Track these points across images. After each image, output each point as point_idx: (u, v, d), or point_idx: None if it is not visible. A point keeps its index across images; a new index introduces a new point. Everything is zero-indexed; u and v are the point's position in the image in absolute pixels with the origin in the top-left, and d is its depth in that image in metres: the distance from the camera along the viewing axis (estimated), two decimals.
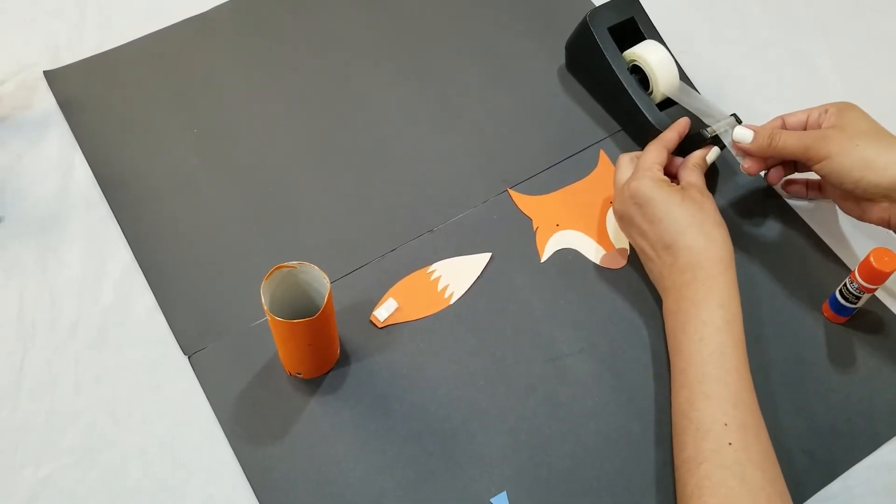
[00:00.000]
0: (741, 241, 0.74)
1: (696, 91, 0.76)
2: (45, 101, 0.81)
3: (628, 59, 0.77)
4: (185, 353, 0.67)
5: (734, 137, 0.70)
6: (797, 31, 0.90)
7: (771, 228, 0.75)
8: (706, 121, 0.72)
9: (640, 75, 0.77)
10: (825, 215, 0.76)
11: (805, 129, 0.71)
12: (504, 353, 0.68)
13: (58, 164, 0.77)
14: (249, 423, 0.64)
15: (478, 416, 0.65)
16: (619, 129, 0.80)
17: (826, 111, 0.70)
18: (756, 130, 0.69)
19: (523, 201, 0.76)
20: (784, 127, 0.72)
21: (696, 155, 0.72)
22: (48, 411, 0.65)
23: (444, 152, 0.79)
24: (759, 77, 0.86)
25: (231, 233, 0.73)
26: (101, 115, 0.80)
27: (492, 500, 0.62)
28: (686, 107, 0.74)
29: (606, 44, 0.76)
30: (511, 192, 0.76)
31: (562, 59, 0.84)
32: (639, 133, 0.78)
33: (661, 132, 0.74)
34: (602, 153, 0.79)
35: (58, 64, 0.83)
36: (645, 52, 0.75)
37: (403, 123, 0.81)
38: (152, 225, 0.73)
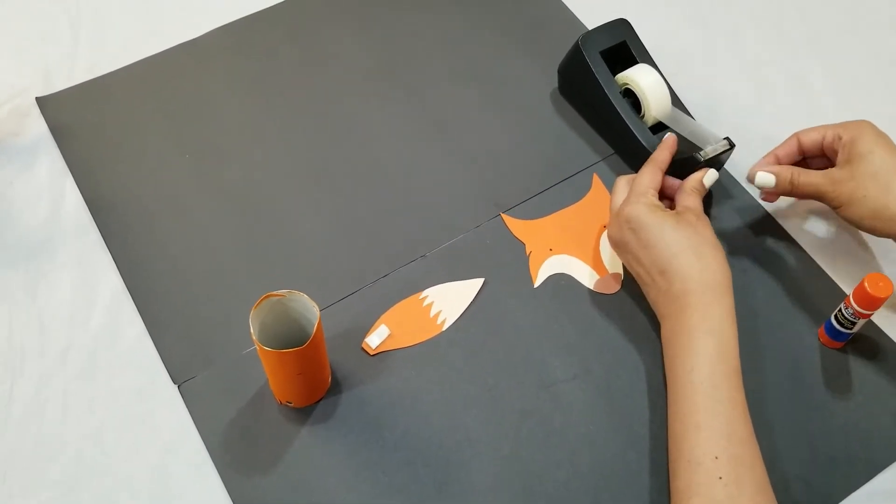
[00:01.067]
0: (737, 266, 0.73)
1: (690, 115, 0.76)
2: (37, 127, 0.81)
3: (620, 82, 0.77)
4: (174, 383, 0.66)
5: (757, 184, 0.71)
6: (790, 52, 0.90)
7: (767, 253, 0.75)
8: (699, 144, 0.72)
9: (633, 99, 0.77)
10: (821, 240, 0.76)
11: (822, 149, 0.72)
12: (497, 379, 0.67)
13: (48, 191, 0.77)
14: (239, 453, 0.63)
15: (471, 444, 0.64)
16: (613, 152, 0.80)
17: (840, 137, 0.69)
18: (776, 173, 0.70)
19: (516, 226, 0.75)
20: (799, 145, 0.72)
21: (694, 178, 0.71)
22: (36, 440, 0.64)
23: (437, 176, 0.79)
24: (752, 97, 0.86)
25: (222, 259, 0.73)
26: (92, 141, 0.80)
27: None
28: (678, 131, 0.74)
29: (598, 67, 0.76)
30: (504, 216, 0.76)
31: (555, 83, 0.84)
32: (632, 156, 0.78)
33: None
34: (595, 176, 0.79)
35: (50, 89, 0.83)
36: (637, 76, 0.75)
37: (396, 148, 0.80)
38: (143, 251, 0.73)
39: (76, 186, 0.77)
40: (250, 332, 0.57)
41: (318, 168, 0.79)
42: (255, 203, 0.76)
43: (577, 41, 0.77)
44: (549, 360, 0.68)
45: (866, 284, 0.62)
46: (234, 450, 0.63)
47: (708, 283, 0.63)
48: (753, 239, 0.76)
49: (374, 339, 0.68)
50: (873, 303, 0.63)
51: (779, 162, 0.72)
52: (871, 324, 0.70)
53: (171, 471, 0.63)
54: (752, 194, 0.78)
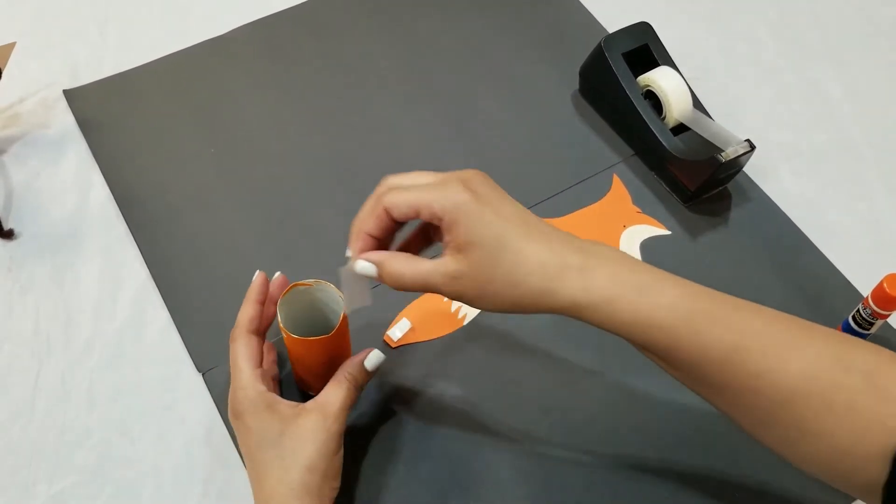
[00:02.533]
0: (753, 268, 0.74)
1: (710, 117, 0.77)
2: (64, 119, 0.82)
3: (642, 84, 0.78)
4: (199, 371, 0.67)
5: (360, 272, 0.53)
6: (808, 60, 0.91)
7: (784, 255, 0.76)
8: (720, 146, 0.73)
9: (654, 101, 0.77)
10: (838, 241, 0.77)
11: (422, 225, 0.55)
12: (518, 375, 0.68)
13: (75, 182, 0.78)
14: None
15: (491, 439, 0.65)
16: (633, 153, 0.81)
17: (439, 218, 0.50)
18: (378, 262, 0.52)
19: None
20: (391, 219, 0.52)
21: (353, 362, 0.60)
22: (62, 428, 0.65)
23: None
24: (770, 105, 0.87)
25: (247, 251, 0.74)
26: (119, 135, 0.81)
27: None
28: (699, 132, 0.75)
29: (621, 69, 0.77)
30: None
31: (575, 85, 0.85)
32: (652, 158, 0.79)
33: (675, 156, 0.74)
34: (615, 177, 0.79)
35: (77, 83, 0.84)
36: (659, 78, 0.76)
37: (418, 145, 0.81)
38: (169, 243, 0.74)
39: (103, 179, 0.78)
40: (277, 320, 0.58)
41: (341, 164, 0.80)
42: (279, 197, 0.77)
43: (600, 43, 0.78)
44: (570, 357, 0.69)
45: (885, 285, 0.63)
46: None
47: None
48: (770, 240, 0.76)
49: (396, 332, 0.69)
50: (892, 303, 0.63)
51: (376, 241, 0.53)
52: (887, 325, 0.71)
53: (195, 459, 0.64)
54: (770, 196, 0.79)
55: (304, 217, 0.76)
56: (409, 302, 0.71)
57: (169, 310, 0.70)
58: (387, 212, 0.52)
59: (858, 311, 0.67)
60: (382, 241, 0.54)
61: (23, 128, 0.82)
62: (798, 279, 0.74)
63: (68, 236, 0.75)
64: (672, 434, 0.65)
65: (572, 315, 0.50)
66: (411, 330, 0.70)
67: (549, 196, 0.78)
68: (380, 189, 0.54)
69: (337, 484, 0.58)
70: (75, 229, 0.75)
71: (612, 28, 0.87)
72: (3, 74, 0.76)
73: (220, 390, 0.66)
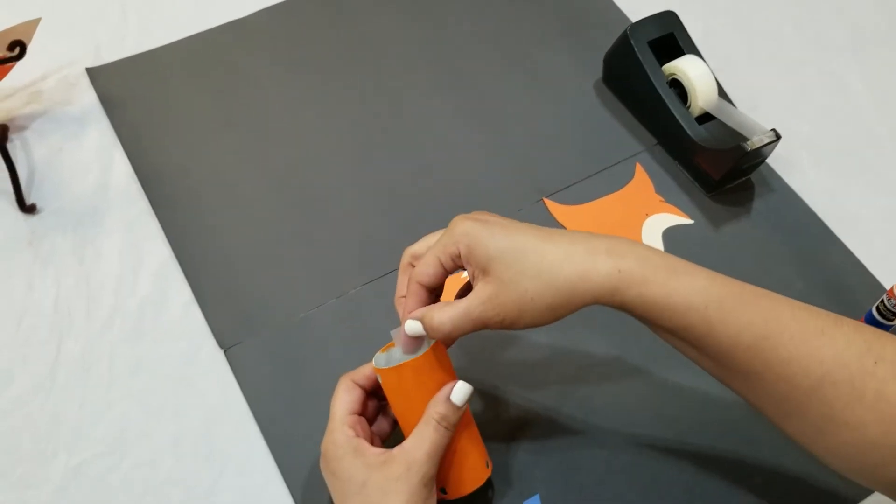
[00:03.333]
0: (776, 259, 0.74)
1: (734, 106, 0.77)
2: (86, 97, 0.82)
3: (667, 73, 0.78)
4: (221, 348, 0.67)
5: (410, 333, 0.54)
6: (831, 53, 0.91)
7: (807, 246, 0.75)
8: (745, 135, 0.73)
9: (678, 90, 0.77)
10: (862, 233, 0.76)
11: (445, 273, 0.54)
12: (537, 358, 0.68)
13: (97, 159, 0.78)
14: (285, 419, 0.64)
15: (510, 420, 0.65)
16: (656, 142, 0.81)
17: (457, 254, 0.52)
18: (420, 317, 0.53)
19: (559, 211, 0.76)
20: (426, 291, 0.54)
21: (438, 399, 0.54)
22: (82, 401, 0.65)
23: (480, 161, 0.79)
24: (793, 97, 0.87)
25: (268, 231, 0.74)
26: (141, 113, 0.81)
27: (524, 503, 0.61)
28: (725, 121, 0.75)
29: (646, 57, 0.77)
30: (547, 201, 0.76)
31: (599, 73, 0.85)
32: (676, 147, 0.79)
33: (699, 145, 0.74)
34: (638, 166, 0.79)
35: (99, 62, 0.84)
36: (685, 66, 0.76)
37: (439, 131, 0.81)
38: (190, 221, 0.74)
39: (125, 156, 0.78)
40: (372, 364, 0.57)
41: (362, 148, 0.79)
42: (300, 178, 0.77)
43: (626, 30, 0.78)
44: (590, 341, 0.69)
45: None
46: (279, 416, 0.64)
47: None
48: (793, 232, 0.76)
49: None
50: None
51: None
52: None
53: (215, 434, 0.64)
54: (793, 188, 0.79)
55: (324, 197, 0.76)
56: None
57: (191, 286, 0.70)
58: (417, 283, 0.53)
59: (883, 301, 0.67)
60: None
61: (45, 105, 0.82)
62: (821, 271, 0.74)
63: (90, 212, 0.74)
64: (692, 419, 0.65)
65: (607, 300, 0.49)
66: None
67: (572, 184, 0.78)
68: (404, 261, 0.57)
69: None
70: (97, 205, 0.75)
71: (634, 17, 0.87)
72: (27, 51, 0.76)
73: (241, 367, 0.66)
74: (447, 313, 0.51)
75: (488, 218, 0.53)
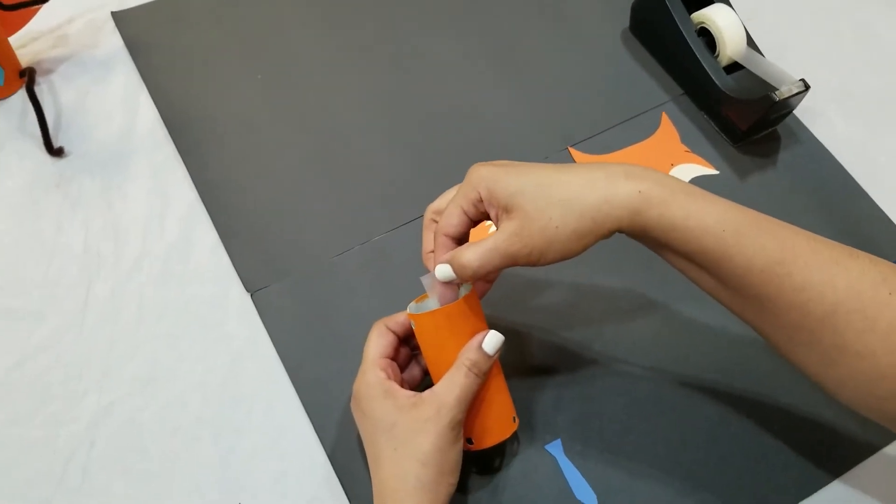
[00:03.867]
0: (801, 211, 0.74)
1: (762, 56, 0.76)
2: (112, 41, 0.82)
3: (696, 21, 0.77)
4: (247, 291, 0.68)
5: (441, 277, 0.54)
6: (862, 2, 0.89)
7: (832, 199, 0.75)
8: (774, 84, 0.72)
9: (707, 39, 0.76)
10: (889, 187, 0.76)
11: (469, 222, 0.54)
12: (560, 308, 0.68)
13: (123, 104, 0.78)
14: (310, 362, 0.65)
15: (533, 369, 0.66)
16: (682, 92, 0.80)
17: (479, 199, 0.52)
18: (449, 260, 0.53)
19: (583, 159, 0.76)
20: (450, 239, 0.54)
21: (471, 346, 0.55)
22: (111, 341, 0.66)
23: (506, 109, 0.79)
24: (822, 46, 0.86)
25: (293, 177, 0.74)
26: (167, 58, 0.80)
27: (546, 447, 0.62)
28: (753, 70, 0.74)
29: (675, 5, 0.76)
30: (571, 150, 0.76)
31: (626, 22, 0.84)
32: (703, 97, 0.78)
33: (727, 95, 0.73)
34: (664, 115, 0.79)
35: (124, 6, 0.84)
36: (714, 15, 0.75)
37: (466, 79, 0.81)
38: (217, 166, 0.74)
39: (151, 101, 0.78)
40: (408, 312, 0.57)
41: (390, 94, 0.79)
42: (325, 124, 0.77)
43: None
44: (613, 292, 0.69)
45: None
46: (304, 358, 0.65)
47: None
48: (819, 184, 0.76)
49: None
50: None
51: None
52: None
53: (242, 375, 0.65)
54: (820, 140, 0.78)
55: (350, 145, 0.76)
56: None
57: (217, 231, 0.71)
58: (447, 237, 0.54)
59: None
60: None
61: (71, 48, 0.82)
62: (846, 223, 0.73)
63: (117, 156, 0.75)
64: (713, 369, 0.65)
65: (628, 224, 0.50)
66: None
67: (597, 133, 0.78)
68: (427, 218, 0.58)
69: (454, 479, 0.54)
70: (123, 149, 0.75)
71: None
72: None
73: (268, 310, 0.67)
74: (474, 251, 0.51)
75: (504, 162, 0.53)
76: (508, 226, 0.51)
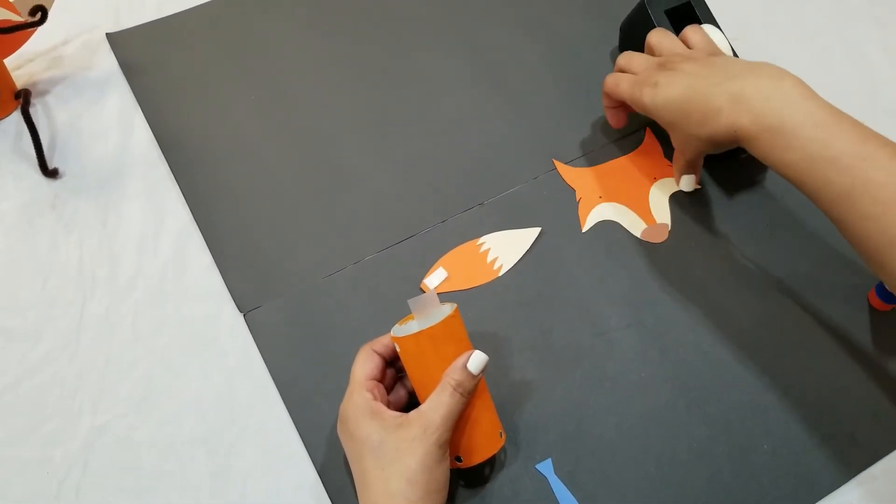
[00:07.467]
0: (785, 229, 0.74)
1: None
2: (107, 62, 0.83)
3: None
4: (240, 311, 0.69)
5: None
6: (849, 21, 0.91)
7: (814, 216, 0.75)
8: None
9: None
10: None
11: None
12: (551, 325, 0.69)
13: (118, 124, 0.79)
14: (302, 381, 0.66)
15: (524, 386, 0.66)
16: None
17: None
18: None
19: (568, 172, 0.77)
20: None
21: (455, 367, 0.56)
22: (106, 360, 0.67)
23: (496, 128, 0.80)
24: (810, 65, 0.86)
25: (286, 197, 0.75)
26: (161, 79, 0.81)
27: (536, 467, 0.63)
28: None
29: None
30: (556, 162, 0.77)
31: (615, 41, 0.85)
32: None
33: None
34: (648, 131, 0.80)
35: (119, 28, 0.85)
36: None
37: (457, 98, 0.82)
38: (210, 186, 0.75)
39: (145, 121, 0.79)
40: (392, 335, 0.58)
41: (381, 112, 0.80)
42: (317, 144, 0.78)
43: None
44: (603, 309, 0.70)
45: None
46: (297, 378, 0.66)
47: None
48: (805, 200, 0.76)
49: (433, 280, 0.70)
50: None
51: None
52: None
53: (236, 395, 0.66)
54: None
55: (342, 164, 0.77)
56: (445, 252, 0.72)
57: (211, 250, 0.71)
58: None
59: None
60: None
61: (66, 70, 0.83)
62: (832, 239, 0.74)
63: (111, 176, 0.76)
64: (703, 386, 0.66)
65: (735, 131, 0.62)
66: (447, 279, 0.70)
67: (586, 153, 0.78)
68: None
69: (442, 498, 0.55)
70: (118, 169, 0.76)
71: None
72: (48, 16, 0.76)
73: (260, 330, 0.68)
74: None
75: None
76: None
